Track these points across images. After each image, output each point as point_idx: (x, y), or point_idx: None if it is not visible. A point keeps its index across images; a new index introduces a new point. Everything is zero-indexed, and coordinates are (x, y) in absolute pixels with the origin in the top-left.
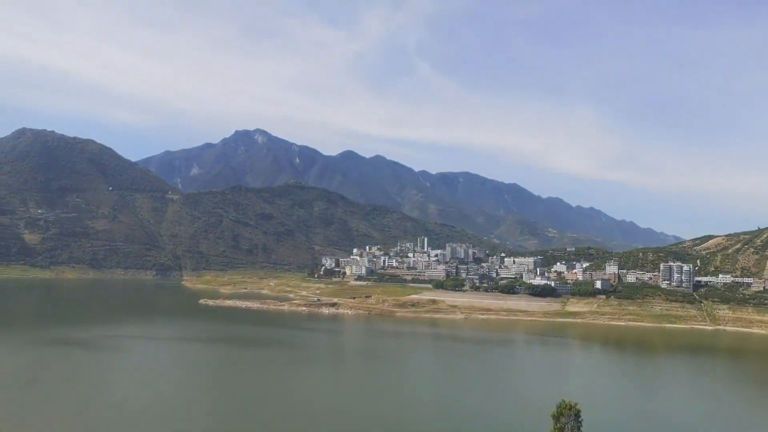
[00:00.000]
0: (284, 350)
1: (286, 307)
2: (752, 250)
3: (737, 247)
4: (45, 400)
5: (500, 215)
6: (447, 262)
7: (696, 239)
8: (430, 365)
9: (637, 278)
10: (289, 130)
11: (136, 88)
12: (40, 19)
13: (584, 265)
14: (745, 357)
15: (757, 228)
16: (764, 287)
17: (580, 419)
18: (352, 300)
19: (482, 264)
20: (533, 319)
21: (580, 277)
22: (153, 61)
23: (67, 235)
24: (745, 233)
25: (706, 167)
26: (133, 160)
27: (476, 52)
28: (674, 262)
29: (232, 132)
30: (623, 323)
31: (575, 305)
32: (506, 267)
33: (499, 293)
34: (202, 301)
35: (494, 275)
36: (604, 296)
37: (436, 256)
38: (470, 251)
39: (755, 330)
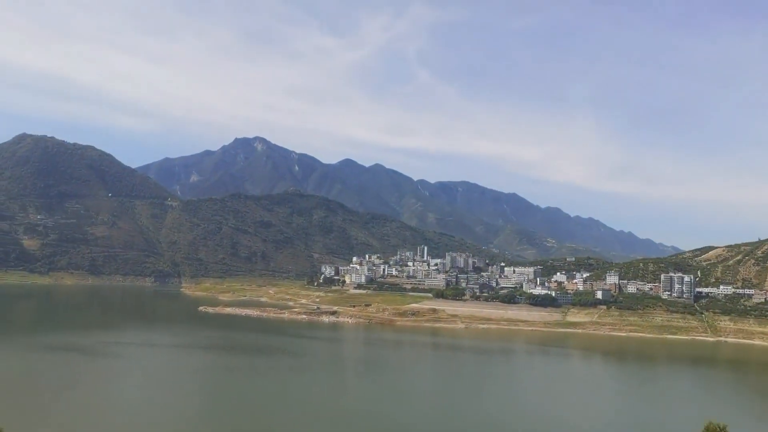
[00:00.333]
0: (286, 358)
1: (286, 315)
2: (753, 261)
3: (738, 258)
4: (44, 407)
5: (499, 225)
6: (447, 271)
7: (696, 250)
8: (432, 375)
9: (637, 289)
10: (288, 138)
11: (137, 95)
12: (40, 25)
13: (584, 275)
14: (747, 368)
15: (757, 239)
16: (765, 299)
17: None
18: (352, 308)
19: (482, 273)
20: (534, 329)
21: (581, 288)
22: (154, 67)
23: (66, 241)
24: (745, 244)
25: (705, 177)
26: (133, 166)
27: (476, 60)
28: (675, 273)
29: (232, 139)
30: (624, 334)
31: (576, 315)
32: (506, 277)
33: (500, 303)
34: (201, 308)
35: (494, 285)
36: (604, 307)
37: (436, 265)
38: (470, 260)
39: (757, 342)
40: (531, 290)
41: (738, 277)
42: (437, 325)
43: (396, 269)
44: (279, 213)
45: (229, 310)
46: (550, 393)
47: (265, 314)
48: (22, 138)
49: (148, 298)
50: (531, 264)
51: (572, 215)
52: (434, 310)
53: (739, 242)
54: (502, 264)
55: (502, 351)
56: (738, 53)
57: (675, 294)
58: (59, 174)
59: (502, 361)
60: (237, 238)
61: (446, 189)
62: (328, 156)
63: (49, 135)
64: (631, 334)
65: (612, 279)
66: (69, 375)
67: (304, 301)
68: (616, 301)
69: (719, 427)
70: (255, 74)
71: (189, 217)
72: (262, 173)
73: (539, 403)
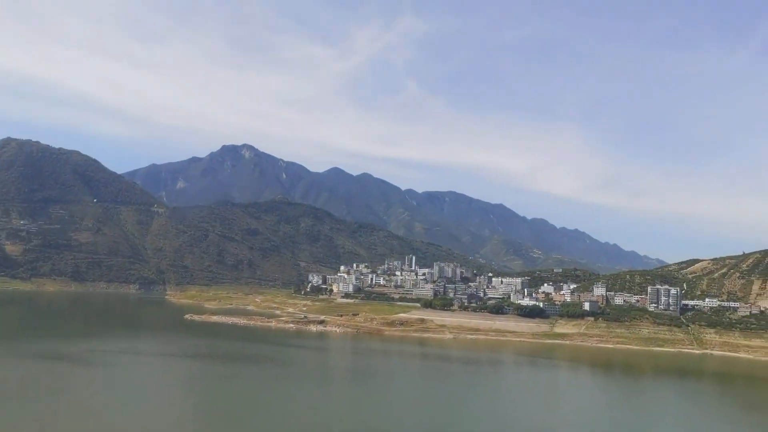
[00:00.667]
0: (275, 368)
1: (273, 323)
2: (738, 274)
3: (723, 271)
4: (29, 416)
5: (486, 235)
6: (435, 281)
7: (682, 263)
8: (421, 385)
9: (624, 300)
10: (276, 146)
11: (124, 100)
12: (27, 28)
13: (572, 287)
14: (732, 381)
15: (742, 252)
16: (750, 312)
17: None
18: (339, 318)
19: (470, 284)
20: (522, 339)
21: (568, 299)
22: (141, 73)
23: (50, 247)
24: (730, 257)
25: (690, 191)
26: (119, 172)
27: (464, 72)
28: (661, 286)
29: (219, 146)
30: (612, 345)
31: (564, 327)
32: (494, 287)
33: (488, 313)
34: (187, 316)
35: (482, 295)
36: (592, 318)
37: (424, 274)
38: (458, 270)
39: (742, 354)
40: (519, 301)
41: (723, 290)
42: (425, 335)
43: (384, 279)
44: (266, 221)
45: (215, 318)
46: (538, 404)
47: (252, 323)
48: (6, 142)
49: (133, 305)
50: (518, 275)
51: (558, 227)
52: (422, 320)
53: (724, 255)
54: (490, 274)
55: (491, 362)
56: (722, 69)
57: (661, 306)
58: (44, 179)
59: (491, 372)
60: (223, 245)
61: (434, 199)
62: (316, 164)
63: (34, 139)
64: (619, 345)
65: (599, 291)
66: (55, 384)
67: (291, 309)
68: (603, 312)
69: None
70: (243, 82)
71: (175, 223)
72: (250, 181)
73: (528, 415)
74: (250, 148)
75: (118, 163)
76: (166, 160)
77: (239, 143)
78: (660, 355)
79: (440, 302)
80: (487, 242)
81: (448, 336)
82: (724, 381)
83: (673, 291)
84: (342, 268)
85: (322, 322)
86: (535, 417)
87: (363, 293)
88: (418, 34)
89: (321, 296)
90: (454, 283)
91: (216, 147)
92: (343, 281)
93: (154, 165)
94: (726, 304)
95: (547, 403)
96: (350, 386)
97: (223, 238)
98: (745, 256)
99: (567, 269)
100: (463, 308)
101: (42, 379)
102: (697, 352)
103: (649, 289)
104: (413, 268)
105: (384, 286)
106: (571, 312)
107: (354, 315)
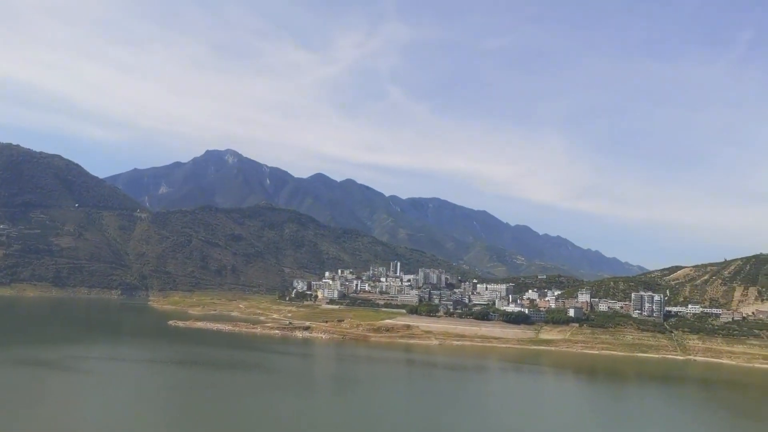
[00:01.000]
0: (261, 374)
1: (258, 330)
2: (720, 281)
3: (705, 278)
4: (12, 423)
5: (469, 241)
6: (420, 288)
7: (665, 269)
8: (408, 392)
9: (608, 307)
10: (260, 151)
11: (107, 104)
12: (8, 30)
13: (556, 293)
14: (715, 387)
15: (724, 260)
16: (733, 318)
17: None
18: (325, 324)
19: (455, 290)
20: (508, 346)
21: (553, 305)
22: (124, 77)
23: (30, 252)
24: (712, 264)
25: (671, 199)
26: (101, 176)
27: (448, 79)
28: (645, 292)
29: (203, 151)
30: (596, 351)
31: (549, 333)
32: (479, 293)
33: (473, 320)
34: (171, 322)
35: (467, 301)
36: (577, 324)
37: (409, 281)
38: (443, 277)
39: (725, 360)
40: (504, 307)
41: (706, 296)
42: (411, 341)
43: (369, 285)
44: (250, 226)
45: (200, 324)
46: (524, 411)
47: (237, 329)
48: None
49: (115, 311)
50: (503, 281)
51: (541, 233)
52: (408, 327)
53: (706, 262)
54: (475, 281)
55: (477, 368)
56: (702, 79)
57: (645, 313)
58: (24, 183)
59: (477, 379)
60: (207, 251)
61: (417, 205)
62: (300, 170)
63: (14, 143)
64: (603, 351)
65: (584, 297)
66: (38, 391)
67: (275, 315)
68: (588, 319)
69: None
70: (227, 87)
71: (158, 229)
72: (233, 186)
73: (513, 422)
74: (234, 153)
75: (100, 168)
76: (149, 164)
77: (223, 148)
78: (644, 361)
79: (426, 308)
80: (470, 248)
81: (434, 342)
82: (707, 387)
83: (656, 297)
84: (327, 274)
85: (307, 328)
86: (520, 423)
87: (348, 299)
88: (401, 40)
89: (306, 302)
90: (439, 289)
91: (199, 152)
92: (328, 287)
93: (136, 170)
94: (709, 310)
95: (532, 410)
96: (337, 393)
97: (207, 244)
98: (726, 263)
99: (551, 276)
100: (449, 314)
101: (24, 387)
102: (681, 358)
103: (632, 295)
104: (398, 274)
105: (369, 292)
106: (556, 318)
107: (339, 321)
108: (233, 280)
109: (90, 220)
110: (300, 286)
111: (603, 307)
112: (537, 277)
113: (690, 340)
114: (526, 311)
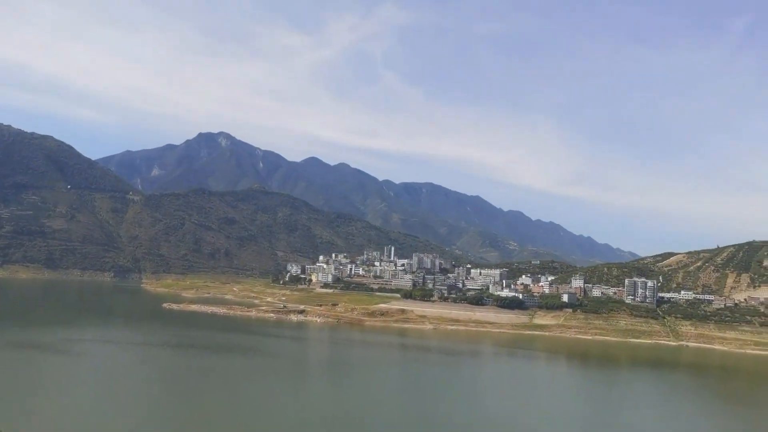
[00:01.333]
0: (258, 358)
1: (253, 313)
2: (713, 268)
3: (698, 264)
4: (10, 407)
5: (462, 227)
6: (414, 272)
7: (657, 256)
8: (403, 377)
9: (602, 293)
10: (253, 135)
11: (98, 86)
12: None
13: (549, 279)
14: (707, 373)
15: (716, 246)
16: (725, 305)
17: None
18: (319, 308)
19: (449, 275)
20: (502, 330)
21: (547, 291)
22: (116, 59)
23: (22, 234)
24: (705, 251)
25: (664, 186)
26: (93, 158)
27: (442, 64)
28: (638, 278)
29: (195, 134)
30: (590, 337)
31: (543, 318)
32: (472, 278)
33: (468, 304)
34: (165, 305)
35: (461, 286)
36: (570, 310)
37: (403, 265)
38: (437, 261)
39: (717, 346)
40: (498, 292)
41: (698, 283)
42: (406, 325)
43: (363, 269)
44: (243, 210)
45: (194, 307)
46: (516, 395)
47: (231, 312)
48: None
49: (109, 293)
50: (496, 266)
51: (534, 219)
52: (403, 311)
53: (699, 249)
54: (468, 266)
55: (471, 353)
56: (695, 67)
57: (638, 299)
58: (15, 164)
59: (471, 363)
60: (200, 234)
61: (411, 190)
62: (293, 154)
63: (5, 123)
64: (597, 337)
65: (577, 283)
66: (33, 374)
67: (269, 299)
68: (581, 304)
69: None
70: (219, 70)
71: (151, 211)
72: (226, 169)
73: (505, 405)
74: (227, 136)
75: (91, 150)
76: (140, 146)
77: (215, 131)
78: (637, 347)
79: (420, 293)
80: (463, 234)
81: (429, 327)
82: (699, 372)
83: (649, 284)
84: (321, 258)
85: (302, 311)
86: (513, 407)
87: (342, 283)
88: (396, 24)
89: (300, 286)
90: (433, 274)
91: (192, 134)
92: (322, 271)
93: (128, 152)
94: (701, 296)
95: (525, 394)
96: (332, 377)
97: (200, 227)
98: (719, 250)
99: (544, 261)
100: (443, 299)
101: (19, 370)
102: (673, 343)
103: (626, 281)
104: (392, 258)
105: (363, 276)
106: (550, 304)
107: (334, 305)
108: (226, 264)
109: (82, 202)
110: (294, 269)
111: (596, 292)
112: (530, 262)
113: (682, 326)
114: (520, 296)
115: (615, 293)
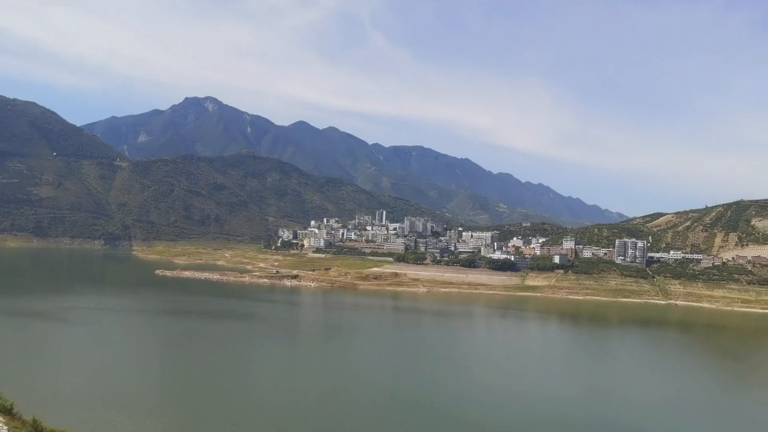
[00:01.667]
0: (253, 323)
1: (246, 279)
2: (701, 227)
3: (687, 224)
4: (15, 375)
5: (452, 190)
6: (406, 236)
7: (646, 216)
8: (397, 339)
9: (593, 254)
10: (240, 99)
11: (79, 50)
12: None
13: (541, 241)
14: (694, 330)
15: (705, 206)
16: (713, 263)
17: None
18: (313, 272)
19: (440, 238)
20: (494, 292)
21: (538, 252)
22: (97, 22)
23: (9, 202)
24: (693, 211)
25: (652, 147)
26: (78, 125)
27: (431, 24)
28: (628, 239)
29: (182, 99)
30: (581, 297)
31: (534, 279)
32: (464, 241)
33: (460, 267)
34: (158, 271)
35: (453, 249)
36: (562, 271)
37: (395, 229)
38: (428, 225)
39: (705, 304)
40: (490, 255)
41: (687, 242)
42: (399, 289)
43: (355, 233)
44: (232, 175)
45: (187, 273)
46: (510, 355)
47: (225, 278)
48: None
49: (100, 261)
50: (488, 229)
51: (523, 181)
52: (396, 274)
53: (687, 209)
54: (460, 228)
55: (465, 314)
56: (685, 27)
57: (628, 259)
58: None
59: (465, 325)
60: (189, 200)
61: (400, 153)
62: (282, 118)
63: None
64: (588, 297)
65: (568, 244)
66: (32, 342)
67: (262, 265)
68: (572, 265)
69: None
70: (206, 33)
71: (139, 178)
72: (214, 134)
73: (499, 365)
74: (214, 100)
75: (75, 115)
76: (126, 112)
77: (202, 96)
78: (627, 306)
79: (413, 256)
80: (453, 197)
81: (422, 290)
82: (687, 329)
83: (639, 244)
84: (312, 222)
85: (295, 276)
86: (506, 366)
87: (334, 248)
88: None
89: (292, 251)
90: (425, 237)
91: (178, 99)
92: (314, 236)
93: (114, 117)
94: (690, 256)
95: (518, 353)
96: (328, 341)
97: (189, 193)
98: (708, 210)
99: (535, 223)
100: (436, 262)
101: (18, 338)
102: (663, 302)
103: (616, 242)
104: (384, 222)
105: (355, 240)
106: (542, 265)
107: (327, 269)
108: (217, 230)
109: (69, 169)
110: (286, 235)
111: (587, 253)
112: (521, 224)
113: (671, 285)
114: (512, 258)
115: (605, 254)
